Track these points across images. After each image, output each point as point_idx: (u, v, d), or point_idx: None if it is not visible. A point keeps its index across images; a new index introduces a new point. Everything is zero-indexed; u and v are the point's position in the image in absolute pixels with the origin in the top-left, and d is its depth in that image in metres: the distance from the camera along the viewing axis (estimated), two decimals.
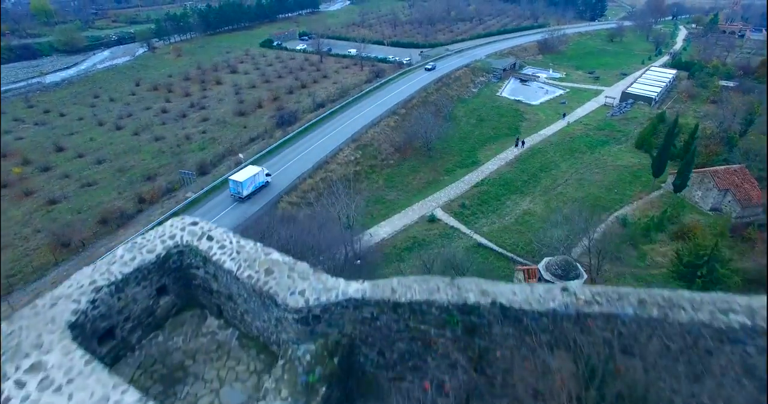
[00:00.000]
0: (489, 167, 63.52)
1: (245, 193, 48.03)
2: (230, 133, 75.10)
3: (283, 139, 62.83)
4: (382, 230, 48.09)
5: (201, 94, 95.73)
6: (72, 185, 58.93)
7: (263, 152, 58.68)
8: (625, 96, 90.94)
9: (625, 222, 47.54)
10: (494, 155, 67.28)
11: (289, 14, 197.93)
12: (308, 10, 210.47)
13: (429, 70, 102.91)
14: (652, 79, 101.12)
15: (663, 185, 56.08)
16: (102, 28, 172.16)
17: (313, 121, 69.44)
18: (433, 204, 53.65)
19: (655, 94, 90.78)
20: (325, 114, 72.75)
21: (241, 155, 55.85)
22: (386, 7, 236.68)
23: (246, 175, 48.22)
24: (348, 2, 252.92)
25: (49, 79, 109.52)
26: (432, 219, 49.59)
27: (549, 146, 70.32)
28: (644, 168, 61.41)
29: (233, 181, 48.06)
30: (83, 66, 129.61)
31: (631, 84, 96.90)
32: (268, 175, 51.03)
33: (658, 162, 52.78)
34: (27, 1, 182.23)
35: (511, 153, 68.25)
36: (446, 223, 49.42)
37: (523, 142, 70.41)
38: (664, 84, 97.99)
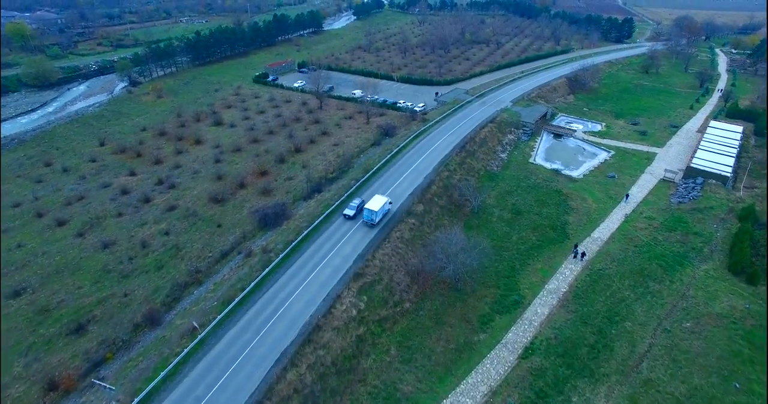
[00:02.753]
0: (538, 310, 47.02)
1: (377, 219, 54.55)
2: (199, 236, 59.02)
3: (264, 273, 46.50)
4: None
5: (174, 160, 79.67)
6: None
7: (230, 307, 42.09)
8: (691, 172, 73.88)
9: None
10: (542, 283, 50.87)
11: (290, 36, 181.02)
12: (310, 30, 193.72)
13: (349, 218, 55.71)
14: (717, 142, 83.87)
15: None
16: (83, 53, 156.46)
17: (305, 232, 52.98)
18: (468, 401, 37.17)
19: (729, 168, 73.58)
20: (322, 216, 56.39)
21: (195, 323, 39.57)
22: (394, 25, 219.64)
23: (378, 204, 54.58)
24: (353, 18, 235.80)
25: (2, 130, 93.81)
26: None
27: (611, 265, 53.73)
28: (758, 320, 44.59)
29: (368, 210, 54.10)
30: (51, 107, 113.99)
31: (695, 153, 79.71)
32: (390, 203, 58.04)
33: None
34: (2, 22, 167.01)
35: (562, 277, 51.87)
36: None
37: (583, 254, 54.66)
38: (735, 150, 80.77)
